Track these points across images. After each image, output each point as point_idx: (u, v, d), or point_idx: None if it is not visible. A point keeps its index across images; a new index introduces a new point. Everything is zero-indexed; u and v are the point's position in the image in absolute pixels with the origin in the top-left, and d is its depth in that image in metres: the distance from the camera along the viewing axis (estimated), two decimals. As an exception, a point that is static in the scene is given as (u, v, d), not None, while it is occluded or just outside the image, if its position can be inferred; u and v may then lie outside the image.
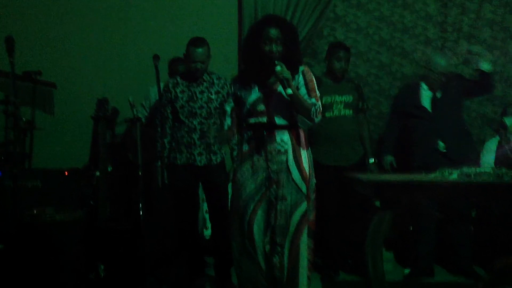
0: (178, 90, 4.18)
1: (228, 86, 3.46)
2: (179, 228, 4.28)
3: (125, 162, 4.88)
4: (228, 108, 3.41)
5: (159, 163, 4.19)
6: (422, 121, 4.43)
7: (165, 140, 4.20)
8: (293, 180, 3.24)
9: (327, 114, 4.48)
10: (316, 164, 4.41)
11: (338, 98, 4.51)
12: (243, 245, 3.25)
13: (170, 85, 4.22)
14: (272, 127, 3.26)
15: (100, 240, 4.00)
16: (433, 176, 3.12)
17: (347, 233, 4.31)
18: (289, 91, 3.10)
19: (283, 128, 3.26)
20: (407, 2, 5.51)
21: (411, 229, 4.65)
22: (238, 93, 3.35)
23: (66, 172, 4.44)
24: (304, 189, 3.26)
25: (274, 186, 3.22)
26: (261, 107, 3.26)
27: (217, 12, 5.48)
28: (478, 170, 3.01)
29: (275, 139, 3.24)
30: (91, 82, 5.38)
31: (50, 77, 5.13)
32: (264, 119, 3.27)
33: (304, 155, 3.30)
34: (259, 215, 3.22)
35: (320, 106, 3.30)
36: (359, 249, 3.04)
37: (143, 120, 4.84)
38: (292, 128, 3.28)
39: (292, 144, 3.26)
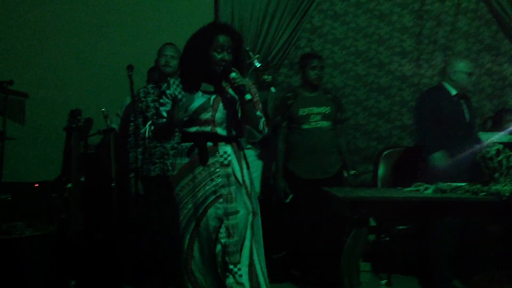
0: (149, 99, 4.14)
1: (165, 85, 3.15)
2: (155, 239, 4.21)
3: (98, 173, 4.80)
4: (164, 112, 3.12)
5: (132, 174, 4.12)
6: (461, 130, 4.28)
7: (138, 151, 4.14)
8: (244, 192, 3.09)
9: (304, 126, 4.45)
10: (293, 177, 4.45)
11: (315, 110, 4.47)
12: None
13: (141, 95, 4.18)
14: (215, 138, 3.09)
15: (71, 254, 3.92)
16: (407, 190, 3.12)
17: (323, 247, 4.27)
18: (249, 96, 2.98)
19: (227, 139, 3.10)
20: (384, 13, 5.53)
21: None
22: (179, 96, 3.10)
23: (36, 185, 4.35)
24: (248, 203, 3.11)
25: (221, 200, 3.02)
26: (206, 115, 3.08)
27: (193, 22, 5.35)
28: (453, 185, 3.00)
29: (218, 151, 3.07)
30: (64, 92, 5.31)
31: (22, 87, 5.02)
32: (208, 129, 3.08)
33: (245, 168, 3.15)
34: (196, 250, 3.04)
35: (265, 120, 3.20)
36: (336, 264, 3.01)
37: (117, 130, 4.77)
38: (234, 140, 3.14)
39: (236, 157, 3.10)
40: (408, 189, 3.13)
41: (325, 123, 4.48)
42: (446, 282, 4.16)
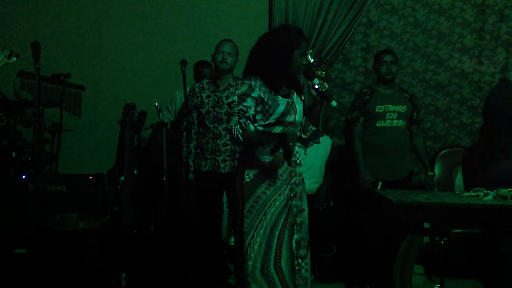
0: (204, 95, 4.14)
1: (246, 87, 3.03)
2: (202, 235, 4.23)
3: (150, 166, 4.84)
4: (251, 112, 3.05)
5: (184, 169, 4.15)
6: None
7: (191, 146, 4.17)
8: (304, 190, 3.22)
9: (378, 124, 4.32)
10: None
11: (391, 108, 4.34)
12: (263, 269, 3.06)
13: (197, 90, 4.18)
14: (298, 139, 3.20)
15: (122, 247, 3.97)
16: (466, 195, 3.00)
17: (376, 249, 4.16)
18: (334, 103, 3.06)
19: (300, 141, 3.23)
20: (444, 8, 5.34)
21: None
22: (265, 99, 3.06)
23: (90, 177, 4.42)
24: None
25: (297, 200, 3.14)
26: (290, 117, 3.11)
27: (247, 17, 5.39)
28: (514, 191, 2.86)
29: (295, 151, 3.18)
30: (119, 86, 5.38)
31: (79, 80, 5.14)
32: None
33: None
34: (286, 245, 3.07)
35: None
36: (388, 266, 2.93)
37: (169, 125, 4.79)
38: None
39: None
40: (467, 194, 3.01)
41: (400, 122, 4.34)
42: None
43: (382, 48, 5.32)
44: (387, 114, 4.33)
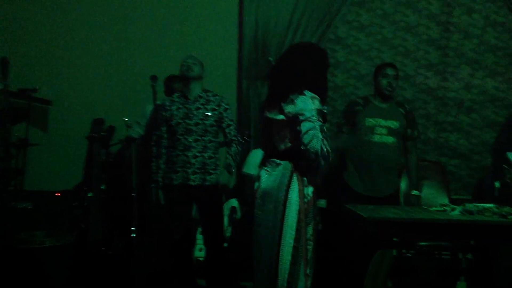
0: (174, 108, 4.13)
1: (318, 102, 2.85)
2: (172, 250, 4.19)
3: (119, 182, 4.80)
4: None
5: (154, 184, 4.12)
6: None
7: (160, 161, 4.14)
8: None
9: (367, 138, 4.18)
10: (347, 187, 4.24)
11: (382, 122, 4.21)
12: None
13: (167, 103, 4.17)
14: None
15: (90, 265, 3.91)
16: (433, 210, 3.04)
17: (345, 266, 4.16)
18: None
19: None
20: (410, 25, 5.46)
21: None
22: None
23: (57, 194, 4.35)
24: None
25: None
26: None
27: (217, 33, 5.42)
28: (480, 206, 2.92)
29: None
30: (87, 101, 5.32)
31: (46, 95, 5.07)
32: None
33: None
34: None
35: None
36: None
37: (138, 140, 4.76)
38: None
39: None
40: (434, 208, 3.05)
41: (390, 139, 4.19)
42: None
43: (350, 64, 5.44)
44: (376, 129, 4.19)
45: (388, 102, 4.31)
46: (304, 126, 2.80)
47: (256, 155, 4.80)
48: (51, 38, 5.41)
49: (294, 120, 2.84)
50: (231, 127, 4.18)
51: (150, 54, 5.32)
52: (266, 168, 2.96)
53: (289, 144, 2.89)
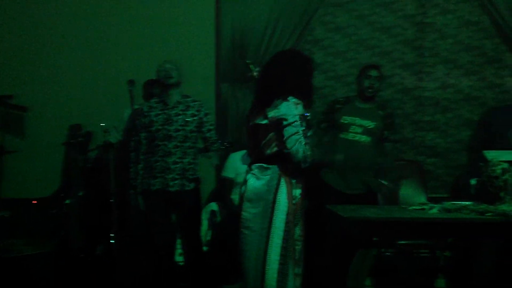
0: (153, 114, 4.11)
1: (301, 107, 2.96)
2: (154, 255, 4.18)
3: (97, 188, 4.76)
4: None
5: (132, 190, 4.10)
6: None
7: (139, 167, 4.11)
8: None
9: (342, 135, 4.25)
10: (323, 183, 4.29)
11: (358, 121, 4.27)
12: None
13: (145, 109, 4.15)
14: None
15: (71, 272, 3.88)
16: (412, 209, 3.07)
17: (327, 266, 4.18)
18: None
19: None
20: (386, 26, 5.50)
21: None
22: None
23: (35, 202, 4.31)
24: None
25: None
26: None
27: (194, 36, 5.40)
28: (458, 204, 2.96)
29: None
30: (64, 107, 5.26)
31: (21, 101, 5.01)
32: None
33: None
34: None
35: None
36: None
37: (116, 145, 4.72)
38: None
39: None
40: (413, 207, 3.08)
41: (364, 138, 4.25)
42: None
43: (327, 66, 5.47)
44: (351, 127, 4.25)
45: (369, 103, 4.37)
46: (287, 131, 2.90)
47: (235, 159, 4.81)
48: (25, 44, 5.35)
49: (277, 125, 2.94)
50: (212, 132, 4.20)
51: (127, 59, 5.27)
52: (253, 172, 3.03)
53: (276, 149, 2.98)
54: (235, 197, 4.75)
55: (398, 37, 5.51)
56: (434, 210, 2.92)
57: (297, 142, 2.88)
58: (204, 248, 4.56)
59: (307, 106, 2.99)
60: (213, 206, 4.91)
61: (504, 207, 2.79)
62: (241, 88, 5.38)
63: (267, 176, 2.97)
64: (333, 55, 5.50)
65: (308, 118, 2.98)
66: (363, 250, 2.77)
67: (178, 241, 4.62)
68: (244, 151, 4.83)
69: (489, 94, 5.42)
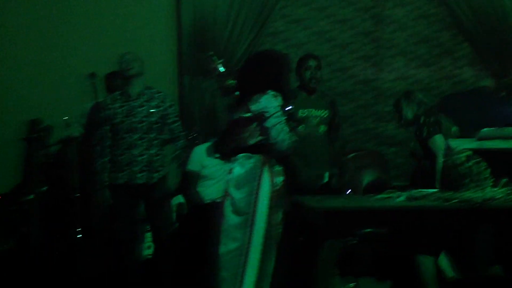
0: (116, 106, 4.05)
1: (280, 98, 3.15)
2: (118, 250, 4.12)
3: (60, 183, 4.66)
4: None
5: (99, 185, 4.03)
6: None
7: (105, 160, 4.04)
8: None
9: (300, 128, 4.16)
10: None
11: (314, 112, 4.24)
12: None
13: (108, 102, 4.08)
14: None
15: (32, 270, 3.80)
16: (380, 197, 3.12)
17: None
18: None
19: None
20: (346, 18, 5.56)
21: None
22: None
23: (-5, 198, 4.20)
24: None
25: None
26: None
27: (155, 27, 5.35)
28: (424, 192, 3.02)
29: None
30: (22, 101, 5.12)
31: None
32: None
33: None
34: None
35: None
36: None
37: (79, 137, 4.64)
38: None
39: None
40: (380, 196, 3.13)
41: (321, 128, 4.24)
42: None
43: (290, 58, 5.47)
44: (309, 119, 4.23)
45: (315, 93, 4.35)
46: (270, 122, 3.09)
47: (200, 152, 4.79)
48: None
49: (260, 117, 3.12)
50: (177, 123, 4.15)
51: (87, 51, 5.16)
52: (238, 161, 3.19)
53: (259, 138, 3.16)
54: (200, 189, 4.74)
55: (357, 29, 5.59)
56: (402, 198, 2.97)
57: (281, 131, 3.07)
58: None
59: (284, 99, 3.16)
60: (180, 198, 4.88)
61: (468, 194, 2.86)
62: (204, 80, 5.35)
63: (250, 164, 3.14)
64: (294, 47, 5.53)
65: (291, 111, 3.20)
66: (331, 240, 2.80)
67: (147, 234, 4.59)
68: (208, 144, 4.81)
69: (447, 84, 5.56)
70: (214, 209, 4.63)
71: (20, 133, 4.58)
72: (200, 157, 4.75)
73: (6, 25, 5.22)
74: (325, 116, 4.29)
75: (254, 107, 3.13)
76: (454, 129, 4.38)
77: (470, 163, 3.00)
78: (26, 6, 5.24)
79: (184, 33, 5.38)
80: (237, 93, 5.04)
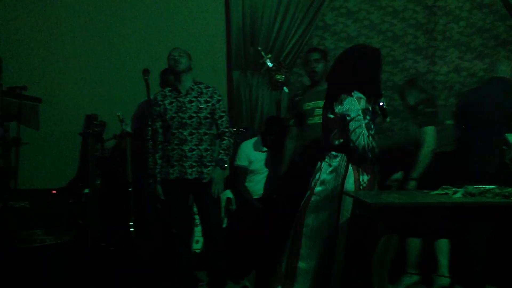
0: (166, 102, 4.11)
1: (364, 102, 3.22)
2: (172, 243, 4.19)
3: (114, 177, 4.77)
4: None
5: (151, 180, 4.10)
6: None
7: (157, 156, 4.11)
8: None
9: (309, 121, 4.26)
10: (305, 172, 4.28)
11: (321, 103, 4.09)
12: None
13: (159, 98, 4.15)
14: None
15: (91, 262, 3.90)
16: (435, 193, 3.06)
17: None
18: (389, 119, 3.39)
19: None
20: (397, 10, 5.48)
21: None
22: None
23: (54, 191, 4.32)
24: None
25: None
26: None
27: (205, 23, 5.40)
28: (481, 188, 2.95)
29: None
30: (79, 97, 5.28)
31: (36, 92, 5.01)
32: None
33: None
34: None
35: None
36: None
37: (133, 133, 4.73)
38: None
39: None
40: (435, 192, 3.07)
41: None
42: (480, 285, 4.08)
43: (339, 51, 5.37)
44: (316, 110, 4.23)
45: (323, 85, 4.22)
46: (351, 126, 3.19)
47: (247, 147, 4.81)
48: (39, 35, 5.34)
49: (342, 119, 3.22)
50: (223, 119, 4.16)
51: (140, 48, 5.28)
52: (326, 160, 3.33)
53: (342, 140, 3.28)
54: (249, 184, 4.77)
55: (410, 21, 5.51)
56: (458, 194, 2.91)
57: (360, 135, 3.16)
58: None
59: (375, 98, 3.26)
60: (228, 193, 4.92)
61: (528, 190, 2.78)
62: (253, 75, 5.37)
63: (335, 163, 3.26)
64: (344, 40, 5.49)
65: (384, 106, 3.26)
66: (387, 236, 2.77)
67: (197, 229, 4.64)
68: (255, 139, 4.83)
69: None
70: (266, 204, 4.68)
71: (76, 128, 4.70)
72: (248, 152, 4.78)
73: (63, 24, 5.37)
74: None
75: (337, 109, 3.24)
76: (449, 122, 4.34)
77: (529, 159, 2.93)
78: (81, 5, 5.38)
79: (233, 28, 5.41)
80: (285, 88, 5.11)
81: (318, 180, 3.31)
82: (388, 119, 3.26)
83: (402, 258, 4.26)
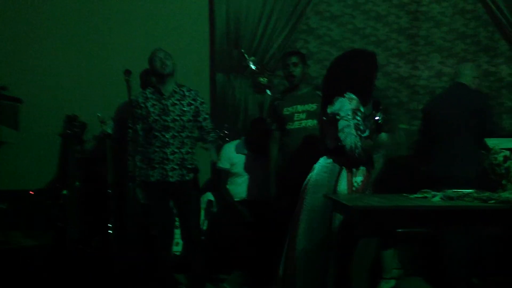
0: (149, 104, 4.08)
1: (356, 102, 3.18)
2: (152, 246, 4.16)
3: (94, 179, 4.73)
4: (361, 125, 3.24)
5: (131, 183, 4.06)
6: None
7: (137, 158, 4.07)
8: None
9: (288, 126, 4.23)
10: (285, 180, 4.22)
11: (300, 108, 4.24)
12: None
13: (140, 100, 4.11)
14: None
15: (69, 264, 3.87)
16: (414, 197, 3.07)
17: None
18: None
19: None
20: (380, 15, 5.51)
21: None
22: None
23: (31, 192, 4.28)
24: None
25: None
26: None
27: (188, 25, 5.38)
28: (460, 192, 2.96)
29: None
30: (59, 98, 5.21)
31: (15, 93, 4.95)
32: None
33: None
34: None
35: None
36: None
37: (114, 134, 4.69)
38: None
39: None
40: (414, 195, 3.08)
41: (310, 122, 4.19)
42: (462, 281, 4.08)
43: (322, 55, 5.46)
44: (295, 115, 4.22)
45: (305, 87, 4.33)
46: (340, 124, 3.16)
47: (229, 149, 4.79)
48: (19, 35, 5.28)
49: (333, 120, 3.20)
50: (208, 121, 4.17)
51: (121, 49, 5.22)
52: (319, 161, 3.30)
53: (335, 141, 3.22)
54: (230, 187, 4.75)
55: (393, 26, 5.53)
56: (437, 198, 2.92)
57: (348, 134, 3.12)
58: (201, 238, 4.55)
59: (364, 102, 3.22)
60: (209, 195, 4.90)
61: (506, 194, 2.79)
62: (237, 78, 5.36)
63: (329, 164, 3.24)
64: (328, 44, 5.50)
65: (379, 121, 3.20)
66: (366, 240, 2.77)
67: (177, 231, 4.61)
68: (237, 141, 4.82)
69: (484, 82, 5.44)
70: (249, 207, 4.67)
71: (56, 129, 4.67)
72: (230, 155, 4.76)
73: (42, 23, 5.31)
74: (313, 109, 4.21)
75: (329, 109, 3.21)
76: (403, 126, 4.42)
77: (508, 164, 2.93)
78: (61, 5, 5.33)
79: (217, 30, 5.40)
80: (268, 91, 5.11)
81: (311, 181, 3.29)
82: (383, 135, 3.19)
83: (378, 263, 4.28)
